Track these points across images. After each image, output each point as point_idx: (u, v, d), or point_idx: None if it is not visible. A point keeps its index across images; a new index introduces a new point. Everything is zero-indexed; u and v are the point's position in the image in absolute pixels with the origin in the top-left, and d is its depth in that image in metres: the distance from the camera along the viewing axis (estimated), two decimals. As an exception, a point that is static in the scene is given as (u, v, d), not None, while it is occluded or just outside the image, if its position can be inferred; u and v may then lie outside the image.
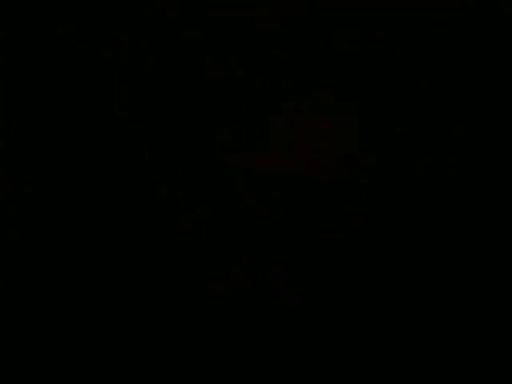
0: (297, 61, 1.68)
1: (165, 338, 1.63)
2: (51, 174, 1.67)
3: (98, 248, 1.65)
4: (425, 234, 1.65)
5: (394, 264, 1.64)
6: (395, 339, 1.62)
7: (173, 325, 1.64)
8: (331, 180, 1.66)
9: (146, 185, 1.67)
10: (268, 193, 1.66)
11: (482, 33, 1.67)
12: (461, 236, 1.64)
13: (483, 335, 1.61)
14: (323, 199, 1.66)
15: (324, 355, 1.62)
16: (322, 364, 1.62)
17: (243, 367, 1.62)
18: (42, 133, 1.68)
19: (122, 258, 1.65)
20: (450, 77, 1.67)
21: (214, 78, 1.69)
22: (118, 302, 1.64)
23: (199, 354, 1.62)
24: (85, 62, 1.68)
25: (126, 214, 1.66)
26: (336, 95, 1.68)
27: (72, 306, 1.64)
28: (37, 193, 1.66)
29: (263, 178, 1.66)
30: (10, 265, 1.65)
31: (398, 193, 1.66)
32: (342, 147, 1.67)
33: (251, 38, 1.68)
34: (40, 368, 1.62)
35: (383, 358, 1.61)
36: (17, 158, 1.67)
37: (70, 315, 1.64)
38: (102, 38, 1.68)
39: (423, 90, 1.67)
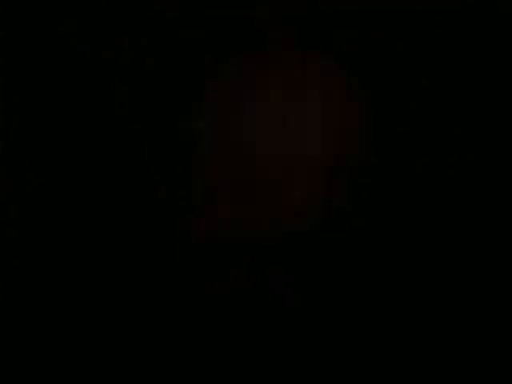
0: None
1: (164, 338, 1.63)
2: (51, 174, 1.67)
3: (97, 248, 1.66)
4: (425, 234, 1.65)
5: (394, 264, 1.64)
6: (395, 339, 1.62)
7: (172, 325, 1.64)
8: (331, 180, 1.66)
9: (146, 185, 1.67)
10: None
11: (482, 33, 1.67)
12: (461, 236, 1.64)
13: (483, 335, 1.61)
14: (323, 199, 1.66)
15: (324, 355, 1.62)
16: (322, 364, 1.62)
17: (243, 367, 1.62)
18: (41, 133, 1.68)
19: (122, 257, 1.65)
20: (450, 77, 1.67)
21: (213, 78, 1.69)
22: (118, 302, 1.64)
23: (199, 354, 1.62)
24: (85, 62, 1.68)
25: (125, 213, 1.66)
26: (335, 95, 1.68)
27: (72, 305, 1.64)
28: (37, 193, 1.66)
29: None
30: (10, 265, 1.65)
31: (397, 193, 1.66)
32: (341, 147, 1.67)
33: (251, 38, 1.68)
34: (40, 368, 1.62)
35: (383, 357, 1.61)
36: (17, 158, 1.67)
37: (70, 315, 1.64)
38: (101, 38, 1.68)
39: (423, 90, 1.67)
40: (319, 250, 1.65)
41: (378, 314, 1.63)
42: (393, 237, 1.65)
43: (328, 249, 1.65)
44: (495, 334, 1.61)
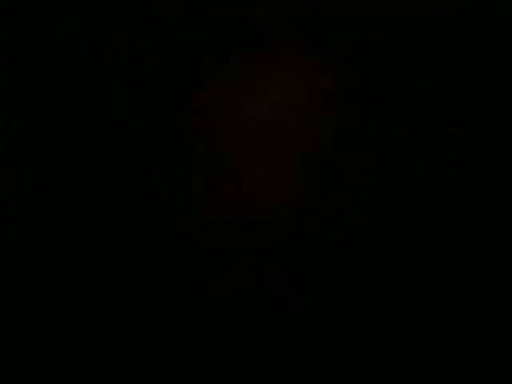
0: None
1: (164, 339, 1.63)
2: (51, 174, 1.67)
3: (97, 248, 1.65)
4: (425, 235, 1.65)
5: (394, 264, 1.64)
6: (395, 339, 1.62)
7: (173, 325, 1.64)
8: (331, 180, 1.66)
9: (146, 185, 1.67)
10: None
11: (482, 33, 1.67)
12: (461, 236, 1.64)
13: (483, 335, 1.61)
14: (323, 199, 1.66)
15: (324, 354, 1.62)
16: (322, 364, 1.62)
17: (243, 367, 1.62)
18: (42, 133, 1.68)
19: (122, 257, 1.65)
20: (450, 77, 1.67)
21: (214, 78, 1.69)
22: (118, 302, 1.64)
23: (199, 354, 1.62)
24: (85, 62, 1.68)
25: (125, 213, 1.66)
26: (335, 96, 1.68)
27: (72, 306, 1.64)
28: (37, 193, 1.66)
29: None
30: (10, 265, 1.65)
31: (397, 193, 1.66)
32: (342, 148, 1.67)
33: (251, 38, 1.68)
34: (40, 368, 1.62)
35: (383, 357, 1.61)
36: (17, 158, 1.67)
37: (70, 315, 1.64)
38: (101, 38, 1.68)
39: (423, 90, 1.67)
40: (319, 250, 1.65)
41: (378, 313, 1.63)
42: (392, 237, 1.65)
43: (328, 249, 1.65)
44: (495, 334, 1.61)
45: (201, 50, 1.68)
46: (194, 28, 1.68)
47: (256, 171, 1.66)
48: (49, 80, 1.68)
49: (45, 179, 1.67)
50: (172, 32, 1.69)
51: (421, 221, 1.65)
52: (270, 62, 1.68)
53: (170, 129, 1.68)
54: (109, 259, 1.65)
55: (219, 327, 1.63)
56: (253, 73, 1.68)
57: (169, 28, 1.69)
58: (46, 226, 1.66)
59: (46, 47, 1.68)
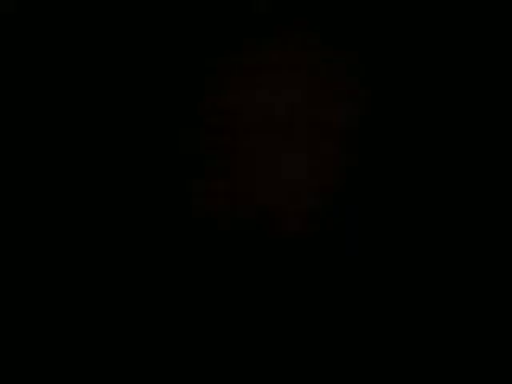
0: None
1: (164, 337, 1.63)
2: (51, 173, 1.67)
3: (97, 248, 1.66)
4: (425, 234, 1.65)
5: (394, 264, 1.64)
6: (395, 339, 1.62)
7: (173, 323, 1.64)
8: (336, 178, 1.67)
9: (145, 184, 1.67)
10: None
11: (482, 33, 1.67)
12: (461, 235, 1.64)
13: (483, 335, 1.61)
14: (323, 199, 1.66)
15: (324, 355, 1.62)
16: (322, 364, 1.62)
17: (243, 366, 1.62)
18: (41, 133, 1.68)
19: (122, 256, 1.65)
20: (450, 77, 1.68)
21: (213, 78, 1.69)
22: (118, 303, 1.64)
23: (199, 354, 1.63)
24: (85, 62, 1.69)
25: (125, 213, 1.67)
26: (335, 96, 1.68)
27: (72, 303, 1.64)
28: (36, 193, 1.67)
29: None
30: (9, 265, 1.65)
31: (398, 193, 1.66)
32: (342, 148, 1.67)
33: (251, 38, 1.68)
34: (39, 368, 1.62)
35: (383, 358, 1.61)
36: (16, 158, 1.67)
37: (70, 314, 1.64)
38: (101, 38, 1.69)
39: (423, 90, 1.67)
40: (319, 251, 1.65)
41: (378, 313, 1.63)
42: (393, 237, 1.65)
43: (328, 249, 1.65)
44: (495, 334, 1.61)
45: (201, 49, 1.69)
46: (194, 26, 1.69)
47: (258, 168, 1.67)
48: (49, 80, 1.69)
49: (44, 179, 1.67)
50: (172, 32, 1.69)
51: (420, 221, 1.65)
52: (269, 61, 1.69)
53: (171, 128, 1.69)
54: (108, 259, 1.65)
55: (219, 327, 1.64)
56: (252, 72, 1.69)
57: (169, 28, 1.69)
58: (45, 225, 1.66)
59: (46, 47, 1.69)
